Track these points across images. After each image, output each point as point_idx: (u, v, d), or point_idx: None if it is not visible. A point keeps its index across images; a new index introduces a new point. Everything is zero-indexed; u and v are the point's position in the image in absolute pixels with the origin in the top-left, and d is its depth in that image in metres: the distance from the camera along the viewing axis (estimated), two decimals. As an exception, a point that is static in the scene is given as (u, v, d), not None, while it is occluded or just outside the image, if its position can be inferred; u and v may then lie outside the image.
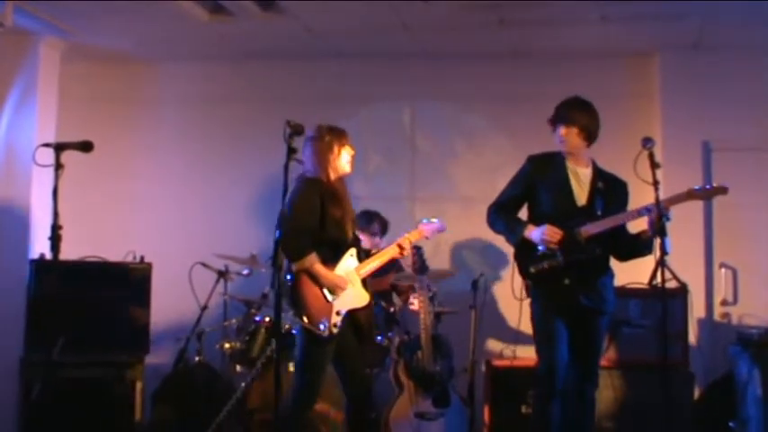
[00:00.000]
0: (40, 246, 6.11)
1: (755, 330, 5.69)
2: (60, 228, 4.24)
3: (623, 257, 4.81)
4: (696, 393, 5.99)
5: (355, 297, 4.71)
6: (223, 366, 6.17)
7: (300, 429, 4.69)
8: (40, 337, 5.88)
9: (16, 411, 6.03)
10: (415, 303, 5.84)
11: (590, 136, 4.73)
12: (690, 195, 4.49)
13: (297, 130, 4.34)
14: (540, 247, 4.61)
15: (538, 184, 4.76)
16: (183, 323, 6.38)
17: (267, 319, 5.95)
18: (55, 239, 4.23)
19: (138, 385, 6.08)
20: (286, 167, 4.33)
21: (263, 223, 6.50)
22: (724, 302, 6.64)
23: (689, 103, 6.75)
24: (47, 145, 4.37)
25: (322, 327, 4.51)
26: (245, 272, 6.27)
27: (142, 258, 6.29)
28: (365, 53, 7.09)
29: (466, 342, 6.03)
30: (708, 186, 4.53)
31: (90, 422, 5.88)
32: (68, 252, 4.71)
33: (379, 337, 5.80)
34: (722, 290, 6.66)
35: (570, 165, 4.74)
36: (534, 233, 4.63)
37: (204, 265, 6.28)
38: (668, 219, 4.32)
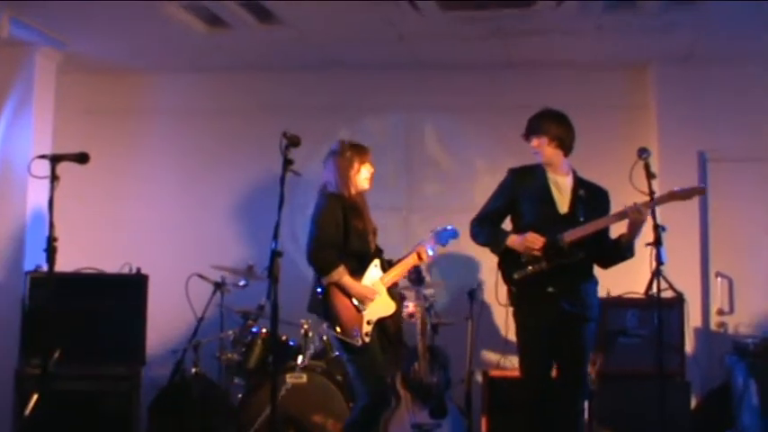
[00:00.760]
0: (35, 257, 6.09)
1: (751, 340, 5.71)
2: (56, 239, 4.23)
3: (606, 263, 4.84)
4: (693, 403, 6.00)
5: (383, 306, 4.87)
6: (220, 378, 6.16)
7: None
8: (35, 350, 5.88)
9: (11, 425, 6.00)
10: (410, 306, 5.85)
11: (563, 145, 4.80)
12: (671, 196, 4.50)
13: (293, 142, 4.36)
14: (523, 255, 4.64)
15: (520, 196, 4.82)
16: (180, 335, 6.38)
17: (264, 330, 5.94)
18: (50, 251, 4.22)
19: (135, 397, 6.06)
20: (282, 179, 4.35)
21: (260, 235, 6.49)
22: (720, 312, 6.65)
23: (684, 113, 6.77)
24: (42, 156, 4.36)
25: (356, 335, 4.66)
26: (242, 283, 6.26)
27: (138, 270, 6.28)
28: (361, 64, 7.11)
29: (463, 353, 6.04)
30: (687, 187, 4.57)
31: (86, 435, 5.86)
32: (64, 264, 4.71)
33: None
34: (718, 299, 6.67)
35: (550, 175, 4.80)
36: (516, 241, 4.68)
37: (201, 276, 6.28)
38: (664, 229, 4.34)
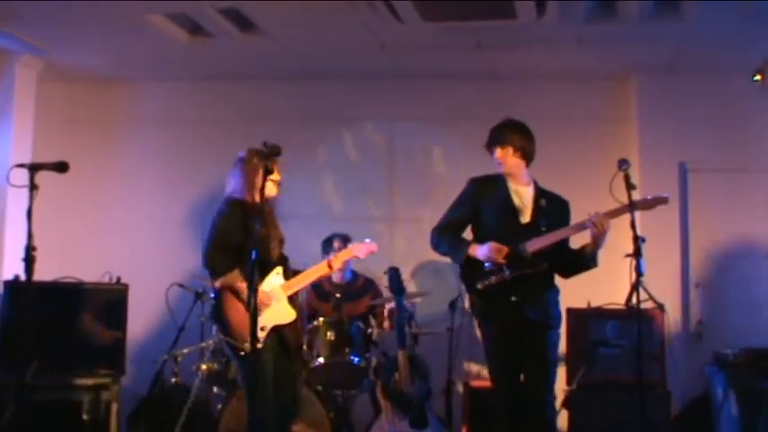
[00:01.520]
0: (13, 267, 6.04)
1: (731, 350, 5.72)
2: (34, 249, 4.20)
3: (568, 273, 4.87)
4: (673, 413, 6.01)
5: (281, 314, 4.80)
6: (200, 388, 6.12)
7: None
8: (13, 360, 5.81)
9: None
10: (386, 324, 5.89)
11: (526, 155, 4.83)
12: (633, 206, 4.48)
13: (274, 152, 4.35)
14: (486, 264, 4.65)
15: (481, 205, 4.84)
16: (160, 344, 6.34)
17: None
18: (29, 260, 4.19)
19: (114, 407, 6.01)
20: (262, 189, 4.35)
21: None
22: (700, 322, 6.68)
23: (665, 124, 6.81)
24: (21, 165, 4.33)
25: (245, 341, 4.48)
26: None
27: (118, 279, 6.24)
28: (344, 74, 7.11)
29: (444, 363, 6.02)
30: (649, 197, 4.59)
31: (65, 445, 5.81)
32: (43, 273, 4.68)
33: (356, 358, 5.79)
34: (698, 309, 6.70)
35: (512, 185, 4.82)
36: (479, 251, 4.68)
37: (181, 285, 6.25)
38: (643, 240, 4.35)
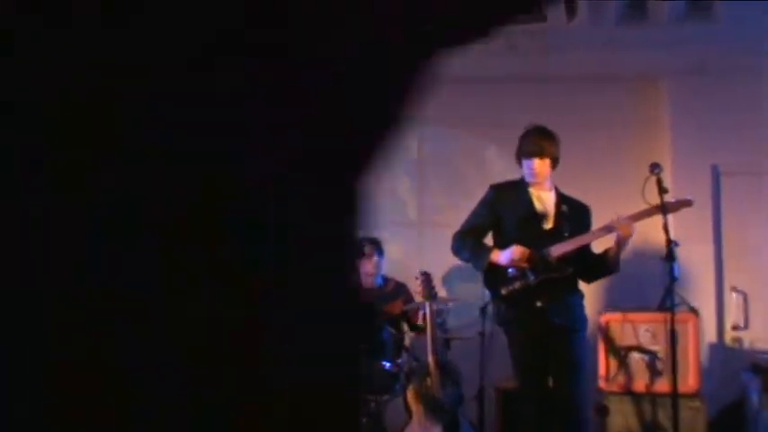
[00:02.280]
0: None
1: (766, 356, 5.65)
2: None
3: (591, 278, 4.85)
4: (708, 419, 5.94)
5: None
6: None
7: None
8: None
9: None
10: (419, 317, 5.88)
11: (557, 163, 4.82)
12: (664, 210, 4.45)
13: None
14: (509, 270, 4.62)
15: (502, 212, 4.83)
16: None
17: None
18: None
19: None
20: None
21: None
22: (735, 327, 6.60)
23: (698, 127, 6.74)
24: None
25: None
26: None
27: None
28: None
29: (476, 368, 6.00)
30: (673, 200, 4.55)
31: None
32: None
33: (388, 364, 5.78)
34: (733, 314, 6.63)
35: (534, 190, 4.81)
36: (502, 256, 4.66)
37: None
38: (677, 244, 4.32)
